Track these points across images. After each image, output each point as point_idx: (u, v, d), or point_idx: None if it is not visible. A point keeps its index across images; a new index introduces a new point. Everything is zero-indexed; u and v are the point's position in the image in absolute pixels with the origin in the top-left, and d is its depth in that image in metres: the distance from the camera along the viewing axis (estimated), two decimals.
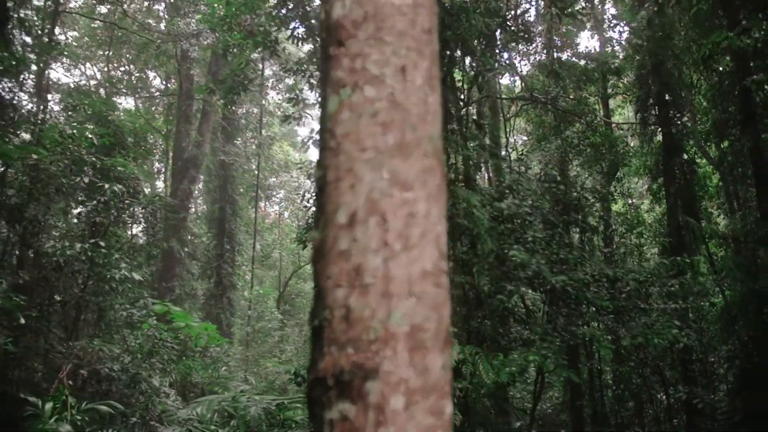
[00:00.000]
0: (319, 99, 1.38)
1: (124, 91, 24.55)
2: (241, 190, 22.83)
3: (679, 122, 15.02)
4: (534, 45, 18.18)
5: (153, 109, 26.58)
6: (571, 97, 14.33)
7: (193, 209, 27.04)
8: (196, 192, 27.72)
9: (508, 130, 17.33)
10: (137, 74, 23.70)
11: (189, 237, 19.59)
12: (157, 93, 25.16)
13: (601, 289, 7.26)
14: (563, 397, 18.12)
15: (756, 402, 8.33)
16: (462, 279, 6.72)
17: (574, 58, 18.76)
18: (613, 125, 17.40)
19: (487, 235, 6.43)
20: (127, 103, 25.16)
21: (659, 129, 15.79)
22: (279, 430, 6.23)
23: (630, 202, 19.88)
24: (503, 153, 16.47)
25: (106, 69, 24.15)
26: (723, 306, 10.94)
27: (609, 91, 20.54)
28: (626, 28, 19.46)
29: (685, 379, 11.55)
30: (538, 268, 6.68)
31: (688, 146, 15.59)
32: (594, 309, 7.22)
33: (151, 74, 26.06)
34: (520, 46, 13.82)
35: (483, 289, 7.24)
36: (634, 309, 7.27)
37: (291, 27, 13.30)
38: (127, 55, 23.25)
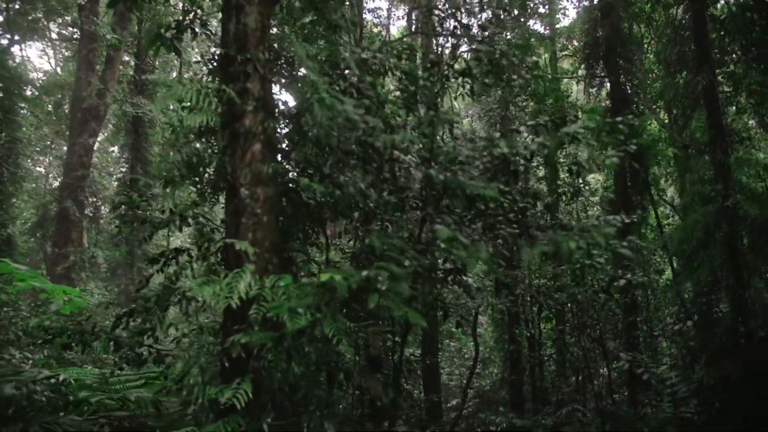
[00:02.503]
0: None
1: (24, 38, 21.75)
2: (158, 149, 20.51)
3: (626, 69, 13.69)
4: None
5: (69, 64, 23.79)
6: (509, 36, 12.75)
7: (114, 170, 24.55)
8: (114, 151, 25.19)
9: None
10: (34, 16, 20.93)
11: (90, 198, 17.30)
12: (57, 39, 22.39)
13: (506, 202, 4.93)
14: (502, 373, 16.95)
15: (714, 371, 7.03)
16: (273, 167, 4.32)
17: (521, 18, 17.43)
18: (558, 76, 16.02)
19: (322, 104, 3.96)
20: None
21: (607, 81, 14.52)
22: (36, 413, 4.51)
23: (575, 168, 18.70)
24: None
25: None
26: (679, 237, 9.47)
27: (558, 52, 19.24)
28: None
29: (629, 347, 10.34)
30: (372, 127, 4.12)
31: (637, 99, 14.33)
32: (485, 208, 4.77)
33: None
34: None
35: (299, 182, 4.58)
36: (553, 225, 4.98)
37: None
38: None
